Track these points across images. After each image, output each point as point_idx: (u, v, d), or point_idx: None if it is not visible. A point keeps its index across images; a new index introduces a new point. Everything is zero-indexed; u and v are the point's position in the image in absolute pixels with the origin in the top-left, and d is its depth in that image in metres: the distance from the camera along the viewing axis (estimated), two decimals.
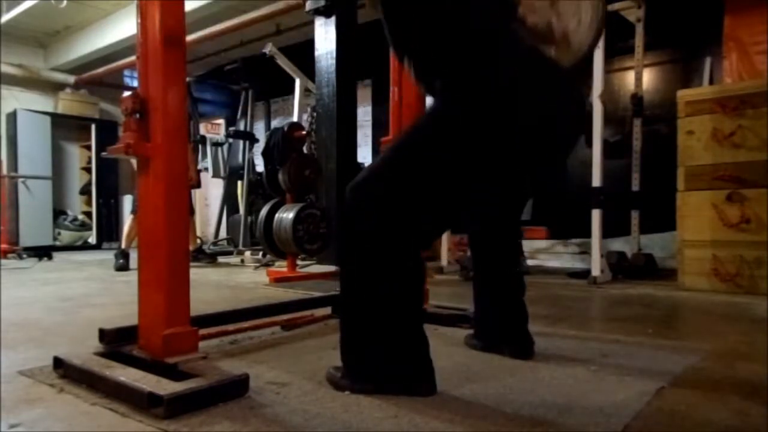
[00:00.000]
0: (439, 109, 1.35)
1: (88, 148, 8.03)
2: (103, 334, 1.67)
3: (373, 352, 1.35)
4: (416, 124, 1.46)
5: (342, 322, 1.40)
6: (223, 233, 7.05)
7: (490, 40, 1.29)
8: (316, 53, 4.78)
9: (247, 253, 5.21)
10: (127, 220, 4.84)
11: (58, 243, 7.48)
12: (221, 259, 5.37)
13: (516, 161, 1.34)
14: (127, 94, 1.48)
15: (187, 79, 1.83)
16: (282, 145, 3.72)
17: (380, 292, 1.32)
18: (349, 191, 1.35)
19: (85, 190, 8.15)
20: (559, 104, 1.33)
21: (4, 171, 6.76)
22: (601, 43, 3.47)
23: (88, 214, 8.04)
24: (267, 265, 4.53)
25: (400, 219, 1.30)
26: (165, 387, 1.23)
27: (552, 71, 1.33)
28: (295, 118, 4.85)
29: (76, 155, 8.23)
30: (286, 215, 3.57)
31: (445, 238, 4.26)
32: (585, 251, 4.19)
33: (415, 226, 1.33)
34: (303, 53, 5.29)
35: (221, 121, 8.57)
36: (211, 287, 3.47)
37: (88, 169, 8.12)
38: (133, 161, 1.56)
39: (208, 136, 7.02)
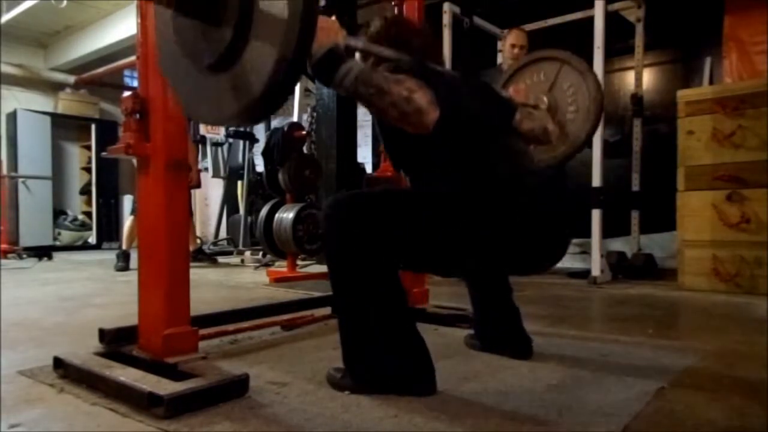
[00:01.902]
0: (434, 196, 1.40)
1: (88, 148, 8.02)
2: (103, 334, 1.67)
3: (371, 353, 1.35)
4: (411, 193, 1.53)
5: (339, 322, 1.41)
6: (223, 233, 7.04)
7: (488, 164, 1.39)
8: None
9: (247, 253, 5.21)
10: (127, 221, 4.83)
11: (58, 243, 7.47)
12: (221, 259, 5.37)
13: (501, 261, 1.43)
14: (127, 94, 1.48)
15: None
16: (282, 145, 3.72)
17: (363, 294, 1.33)
18: (329, 206, 1.37)
19: (85, 190, 8.14)
20: (550, 220, 1.41)
21: (4, 171, 6.75)
22: (601, 43, 3.47)
23: (88, 214, 8.03)
24: (267, 265, 4.53)
25: (378, 232, 1.31)
26: (165, 387, 1.23)
27: (547, 187, 1.46)
28: (295, 118, 4.85)
29: (76, 155, 8.23)
30: (286, 215, 3.57)
31: None
32: (585, 251, 4.19)
33: (390, 244, 1.34)
34: None
35: None
36: (211, 287, 3.47)
37: (88, 169, 8.11)
38: (134, 161, 1.56)
39: (208, 136, 7.02)
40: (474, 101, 1.48)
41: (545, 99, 1.76)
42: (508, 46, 4.03)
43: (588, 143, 1.79)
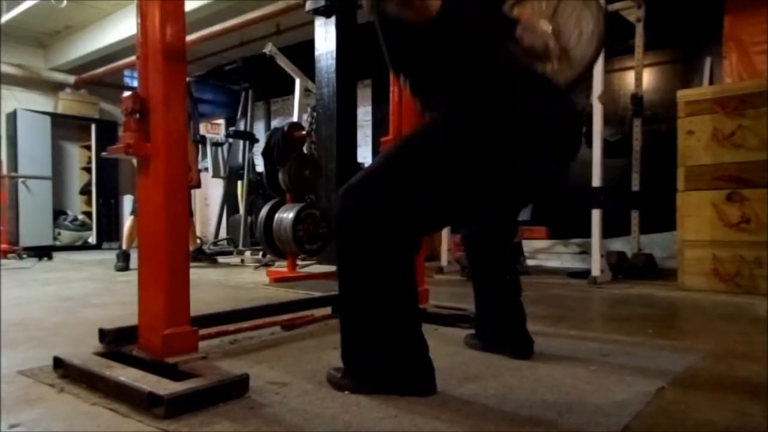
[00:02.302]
0: (437, 124, 1.37)
1: (88, 148, 8.03)
2: (103, 334, 1.67)
3: (372, 353, 1.35)
4: (414, 135, 1.48)
5: (341, 322, 1.41)
6: (223, 233, 7.05)
7: (487, 61, 1.32)
8: (316, 53, 4.79)
9: (247, 253, 5.21)
10: (127, 221, 4.83)
11: (58, 243, 7.48)
12: (221, 259, 5.37)
13: (514, 176, 1.36)
14: (127, 94, 1.48)
15: (187, 79, 1.83)
16: (282, 145, 3.72)
17: (374, 293, 1.33)
18: (342, 195, 1.36)
19: (85, 190, 8.14)
20: (553, 119, 1.36)
21: (4, 171, 6.76)
22: None
23: (88, 214, 8.04)
24: (267, 265, 4.53)
25: (393, 222, 1.31)
26: (165, 387, 1.23)
27: (545, 87, 1.37)
28: (295, 118, 4.85)
29: (76, 155, 8.23)
30: (286, 215, 3.57)
31: (445, 238, 4.26)
32: (585, 251, 4.19)
33: (407, 230, 1.34)
34: (303, 53, 5.29)
35: (221, 121, 8.57)
36: (211, 287, 3.47)
37: (88, 169, 8.12)
38: (134, 161, 1.56)
39: (208, 136, 7.03)
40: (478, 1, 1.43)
41: (548, 23, 1.74)
42: None
43: (591, 69, 1.75)
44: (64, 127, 7.87)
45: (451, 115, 1.33)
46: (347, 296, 1.38)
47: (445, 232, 4.21)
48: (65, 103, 7.82)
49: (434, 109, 1.41)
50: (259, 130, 7.58)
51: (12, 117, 7.20)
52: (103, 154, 1.88)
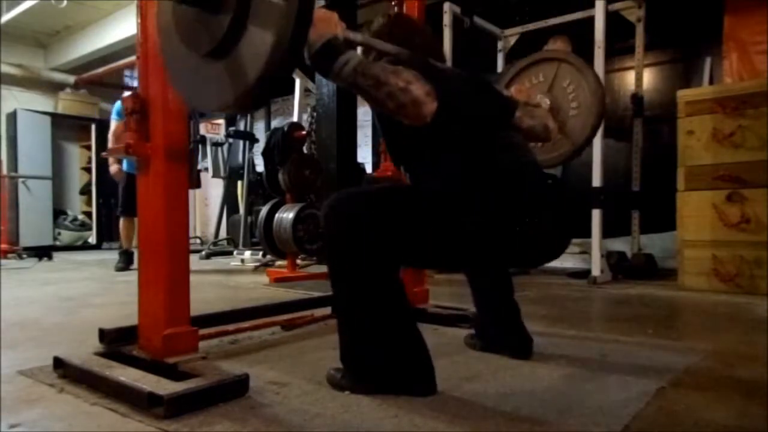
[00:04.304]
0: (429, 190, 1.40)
1: (88, 148, 8.03)
2: (103, 334, 1.67)
3: (370, 353, 1.35)
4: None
5: (338, 322, 1.41)
6: (223, 233, 7.05)
7: (479, 160, 1.37)
8: None
9: (247, 253, 5.21)
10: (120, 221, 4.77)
11: (58, 243, 7.48)
12: (221, 259, 5.37)
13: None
14: (127, 94, 1.48)
15: None
16: (282, 145, 3.72)
17: (362, 293, 1.33)
18: (329, 204, 1.37)
19: (85, 190, 8.15)
20: (536, 208, 1.38)
21: (4, 171, 6.75)
22: (601, 43, 3.47)
23: (88, 214, 8.04)
24: (267, 265, 4.53)
25: (378, 230, 1.32)
26: (165, 387, 1.23)
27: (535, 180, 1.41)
28: (295, 118, 4.85)
29: (76, 155, 8.23)
30: (286, 215, 3.57)
31: None
32: (585, 251, 4.18)
33: (391, 242, 1.34)
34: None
35: (221, 121, 8.57)
36: (211, 287, 3.47)
37: (88, 169, 8.12)
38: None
39: (208, 136, 7.01)
40: (474, 96, 1.48)
41: (547, 100, 1.76)
42: None
43: (591, 140, 1.77)
44: (64, 127, 7.87)
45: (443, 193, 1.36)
46: (340, 296, 1.39)
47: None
48: (65, 103, 7.82)
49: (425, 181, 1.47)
50: (259, 130, 7.58)
51: (12, 117, 7.20)
52: (103, 154, 1.88)
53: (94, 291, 3.35)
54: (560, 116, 1.72)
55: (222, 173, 6.83)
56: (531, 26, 4.58)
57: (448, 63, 3.86)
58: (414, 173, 1.54)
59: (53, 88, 7.88)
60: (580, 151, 1.78)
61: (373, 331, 1.35)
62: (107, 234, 7.85)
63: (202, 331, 1.67)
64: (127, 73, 8.07)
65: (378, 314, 1.34)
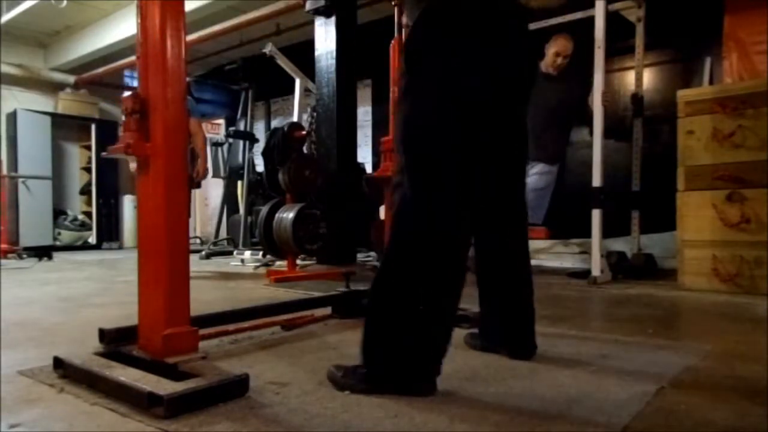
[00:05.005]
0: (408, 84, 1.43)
1: (88, 148, 8.03)
2: (103, 334, 1.67)
3: (397, 352, 1.35)
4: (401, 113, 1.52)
5: (373, 317, 1.40)
6: (223, 233, 7.05)
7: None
8: (316, 53, 4.79)
9: (247, 253, 5.21)
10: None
11: (58, 243, 7.48)
12: (221, 259, 5.37)
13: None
14: (127, 94, 1.48)
15: (187, 79, 1.83)
16: (282, 145, 3.73)
17: (429, 288, 1.35)
18: (396, 220, 1.41)
19: (85, 190, 8.15)
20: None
21: (4, 171, 6.75)
22: (601, 43, 3.47)
23: (88, 214, 8.04)
24: (267, 265, 4.53)
25: (442, 223, 1.34)
26: (165, 387, 1.23)
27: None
28: (295, 118, 4.85)
29: (76, 155, 8.23)
30: (286, 215, 3.57)
31: None
32: (585, 251, 4.18)
33: (454, 224, 1.37)
34: (303, 53, 5.29)
35: (221, 121, 8.57)
36: (211, 287, 3.47)
37: (88, 169, 8.12)
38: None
39: (208, 136, 7.01)
40: None
41: None
42: (552, 53, 4.01)
43: None
44: (64, 127, 7.87)
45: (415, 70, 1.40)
46: (396, 287, 1.38)
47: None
48: (65, 103, 7.82)
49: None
50: (259, 130, 7.59)
51: (12, 117, 7.20)
52: (103, 154, 1.88)
53: (94, 291, 3.35)
54: None
55: (222, 173, 6.83)
56: (531, 26, 4.57)
57: None
58: None
59: (53, 88, 7.88)
60: None
61: (412, 329, 1.34)
62: (107, 234, 7.85)
63: (202, 331, 1.67)
64: (127, 73, 8.07)
65: (433, 311, 1.35)
